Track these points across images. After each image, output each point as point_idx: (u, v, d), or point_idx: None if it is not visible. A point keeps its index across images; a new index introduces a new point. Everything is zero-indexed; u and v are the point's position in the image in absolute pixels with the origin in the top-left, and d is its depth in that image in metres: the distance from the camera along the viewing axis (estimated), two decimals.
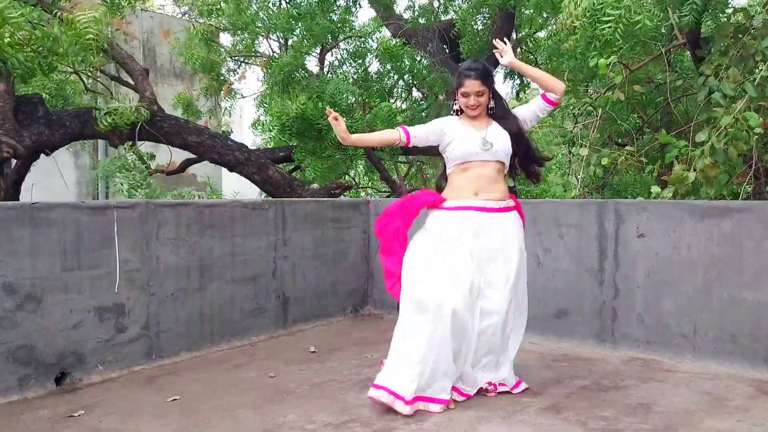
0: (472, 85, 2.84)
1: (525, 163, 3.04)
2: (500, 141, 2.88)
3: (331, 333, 4.16)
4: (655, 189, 3.63)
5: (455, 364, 2.73)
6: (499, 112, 2.95)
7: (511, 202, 2.94)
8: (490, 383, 2.88)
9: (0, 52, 3.71)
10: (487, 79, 2.87)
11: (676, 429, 2.49)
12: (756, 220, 3.21)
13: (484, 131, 2.89)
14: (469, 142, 2.87)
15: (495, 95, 2.94)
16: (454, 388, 2.78)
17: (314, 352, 3.67)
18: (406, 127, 3.01)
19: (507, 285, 2.83)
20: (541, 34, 7.65)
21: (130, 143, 5.18)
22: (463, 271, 2.76)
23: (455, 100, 2.98)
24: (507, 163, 2.95)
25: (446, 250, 2.80)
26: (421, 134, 2.98)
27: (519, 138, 2.93)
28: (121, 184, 4.80)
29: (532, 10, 6.74)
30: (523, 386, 2.96)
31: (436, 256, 2.80)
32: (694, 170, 3.46)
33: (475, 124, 2.92)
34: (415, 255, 2.84)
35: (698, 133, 3.66)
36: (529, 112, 2.98)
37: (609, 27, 3.62)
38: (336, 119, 2.89)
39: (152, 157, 6.09)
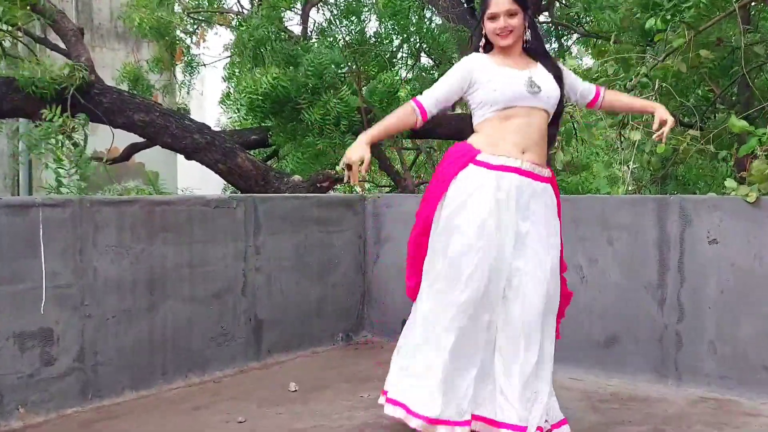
0: (500, 3, 2.81)
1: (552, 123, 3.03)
2: (548, 85, 2.87)
3: (317, 366, 4.16)
4: (730, 183, 3.61)
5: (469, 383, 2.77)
6: (539, 48, 2.95)
7: (548, 172, 2.93)
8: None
9: None
10: None
11: None
12: None
13: (528, 71, 2.87)
14: (514, 81, 2.82)
15: (532, 25, 2.92)
16: (475, 417, 2.79)
17: (295, 390, 3.66)
18: (419, 99, 2.93)
19: (543, 283, 2.79)
20: None
21: (65, 115, 5.15)
22: (502, 269, 2.75)
23: (482, 33, 2.94)
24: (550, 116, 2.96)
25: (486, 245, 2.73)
26: (439, 101, 2.91)
27: (560, 90, 2.94)
28: (55, 171, 4.75)
29: None
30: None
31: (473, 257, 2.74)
32: None
33: (514, 62, 2.89)
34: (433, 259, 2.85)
35: None
36: (579, 88, 3.07)
37: None
38: (350, 165, 2.82)
39: (84, 123, 5.59)
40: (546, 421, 2.80)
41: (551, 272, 2.80)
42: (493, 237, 2.71)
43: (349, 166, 2.78)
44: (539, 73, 2.87)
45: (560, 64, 3.06)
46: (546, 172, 2.87)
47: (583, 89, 3.09)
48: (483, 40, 2.94)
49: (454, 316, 2.72)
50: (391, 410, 2.87)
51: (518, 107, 2.81)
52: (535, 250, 2.76)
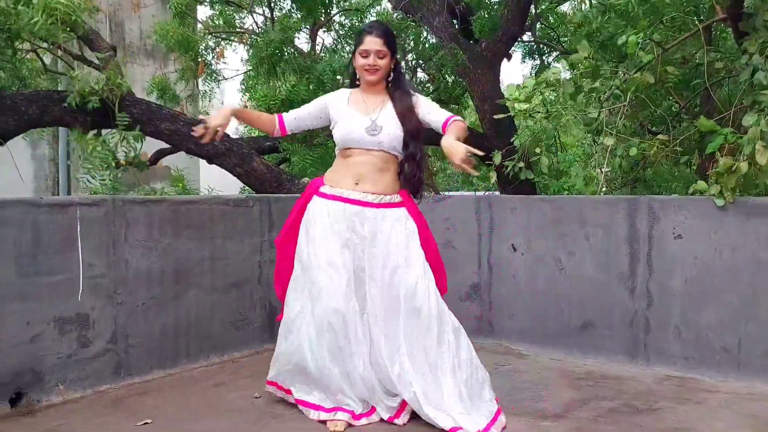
0: (373, 42, 2.85)
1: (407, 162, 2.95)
2: (389, 127, 2.88)
3: None
4: (701, 185, 3.59)
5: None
6: (399, 87, 2.95)
7: (397, 198, 2.93)
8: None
9: None
10: (390, 40, 2.89)
11: None
12: None
13: (374, 114, 2.89)
14: (356, 125, 2.88)
15: (397, 68, 2.97)
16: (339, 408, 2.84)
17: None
18: (283, 114, 3.07)
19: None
20: (565, 7, 7.63)
21: (99, 132, 5.14)
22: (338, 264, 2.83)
23: (352, 68, 2.99)
24: (398, 155, 2.94)
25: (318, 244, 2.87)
26: (296, 122, 3.06)
27: (414, 132, 2.92)
28: (90, 173, 4.74)
29: None
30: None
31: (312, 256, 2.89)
32: (745, 160, 3.40)
33: (369, 101, 2.93)
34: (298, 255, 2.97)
35: (745, 116, 3.63)
36: (430, 118, 2.95)
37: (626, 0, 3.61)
38: (207, 128, 2.90)
39: (139, 137, 5.64)
40: None
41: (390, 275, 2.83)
42: (322, 249, 2.85)
43: (206, 128, 2.87)
44: (385, 114, 2.91)
45: (416, 99, 2.97)
46: (387, 199, 2.89)
47: (434, 120, 2.93)
48: (353, 73, 3.00)
49: None
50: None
51: (355, 148, 2.89)
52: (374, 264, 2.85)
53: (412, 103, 2.95)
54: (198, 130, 2.88)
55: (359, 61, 2.89)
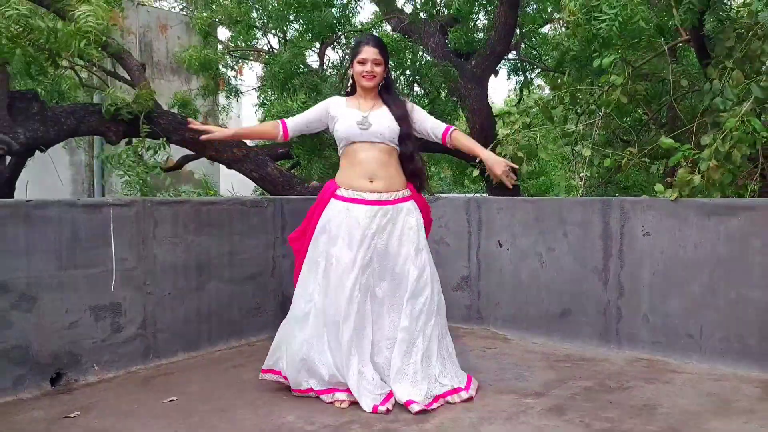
0: (369, 51, 2.87)
1: (406, 161, 2.96)
2: (381, 123, 2.86)
3: None
4: (659, 188, 3.62)
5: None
6: (390, 93, 2.96)
7: (402, 193, 2.91)
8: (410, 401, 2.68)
9: None
10: (384, 50, 2.92)
11: (681, 431, 2.49)
12: (763, 218, 3.20)
13: (368, 111, 2.89)
14: (349, 120, 2.88)
15: (388, 76, 2.97)
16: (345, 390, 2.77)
17: None
18: (285, 120, 3.05)
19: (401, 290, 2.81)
20: (546, 29, 7.63)
21: (134, 138, 5.14)
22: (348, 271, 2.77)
23: (350, 76, 2.98)
24: (396, 147, 2.92)
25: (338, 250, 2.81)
26: (299, 125, 3.04)
27: (402, 128, 2.91)
28: (128, 176, 4.75)
29: (535, 5, 6.73)
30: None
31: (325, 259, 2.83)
32: (699, 173, 3.46)
33: (363, 103, 2.92)
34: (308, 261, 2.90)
35: (703, 137, 3.66)
36: (427, 125, 2.97)
37: (606, 25, 3.62)
38: (199, 129, 3.02)
39: (164, 146, 5.65)
40: None
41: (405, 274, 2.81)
42: (339, 249, 2.79)
43: (201, 125, 3.11)
44: (378, 113, 2.90)
45: (411, 107, 3.00)
46: (399, 194, 2.88)
47: (432, 126, 2.97)
48: (351, 80, 2.99)
49: None
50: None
51: (357, 142, 2.86)
52: (390, 264, 2.82)
53: (407, 110, 2.96)
54: (194, 123, 3.14)
55: (357, 68, 2.90)
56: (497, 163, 2.86)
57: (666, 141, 3.76)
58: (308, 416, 2.64)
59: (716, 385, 3.04)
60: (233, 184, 8.19)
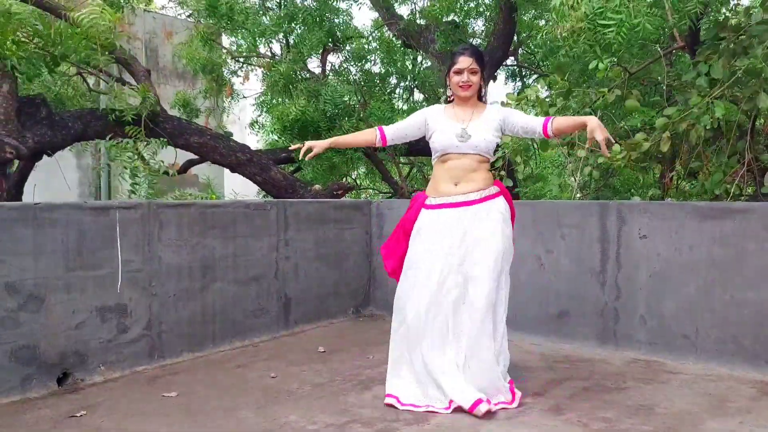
0: (465, 61, 2.84)
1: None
2: (479, 135, 2.85)
3: (333, 334, 4.15)
4: (654, 191, 3.63)
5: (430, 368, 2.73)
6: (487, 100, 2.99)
7: (494, 189, 2.90)
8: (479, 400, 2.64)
9: (2, 50, 3.69)
10: (480, 59, 2.88)
11: (677, 431, 2.48)
12: (758, 221, 3.19)
13: (467, 123, 2.87)
14: (449, 132, 2.86)
15: (486, 83, 2.98)
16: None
17: (324, 351, 3.66)
18: (383, 127, 3.04)
19: (488, 277, 2.74)
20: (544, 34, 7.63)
21: (139, 140, 5.14)
22: (437, 270, 2.76)
23: (447, 86, 2.98)
24: (489, 156, 2.92)
25: (431, 252, 2.80)
26: (398, 133, 3.02)
27: (496, 137, 2.92)
28: (131, 178, 4.76)
29: (532, 12, 6.73)
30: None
31: (421, 259, 2.81)
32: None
33: (462, 113, 2.91)
34: (408, 260, 2.88)
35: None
36: (522, 123, 2.91)
37: (611, 31, 3.60)
38: (308, 149, 2.96)
39: (163, 144, 5.57)
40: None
41: (491, 271, 2.75)
42: (438, 253, 2.78)
43: (303, 143, 3.01)
44: (477, 123, 2.87)
45: (503, 109, 3.02)
46: (485, 192, 2.86)
47: (524, 125, 2.90)
48: (449, 90, 2.97)
49: None
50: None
51: (451, 153, 2.86)
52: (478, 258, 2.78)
53: (507, 113, 2.94)
54: (296, 146, 3.05)
55: (454, 78, 2.88)
56: (599, 129, 2.67)
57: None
58: (310, 416, 2.64)
59: (712, 385, 3.03)
60: (237, 187, 8.19)
